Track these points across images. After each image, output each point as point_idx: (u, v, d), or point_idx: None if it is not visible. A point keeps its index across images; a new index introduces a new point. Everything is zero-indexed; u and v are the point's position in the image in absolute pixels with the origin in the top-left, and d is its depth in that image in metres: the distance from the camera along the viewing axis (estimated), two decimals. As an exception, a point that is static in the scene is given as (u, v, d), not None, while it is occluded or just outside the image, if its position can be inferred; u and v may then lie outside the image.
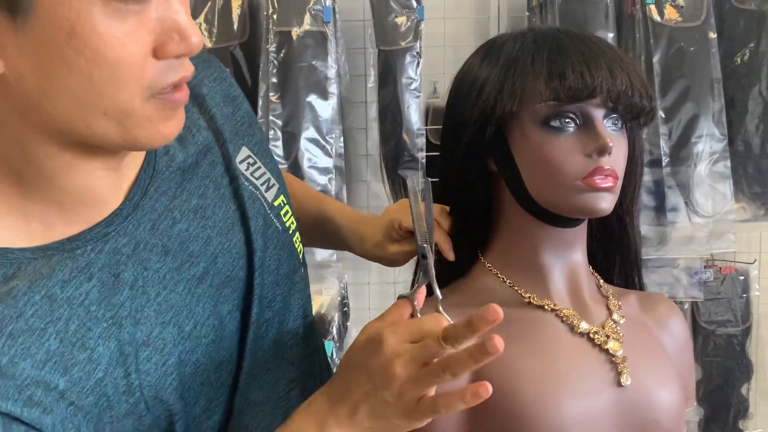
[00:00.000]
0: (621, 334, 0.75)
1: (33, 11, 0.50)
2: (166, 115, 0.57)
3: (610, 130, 0.72)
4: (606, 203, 0.71)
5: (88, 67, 0.52)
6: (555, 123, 0.71)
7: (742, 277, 1.85)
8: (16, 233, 0.58)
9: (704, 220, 1.62)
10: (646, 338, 0.78)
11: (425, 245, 0.67)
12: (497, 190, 0.77)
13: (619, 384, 0.72)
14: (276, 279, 0.74)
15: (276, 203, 0.77)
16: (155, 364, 0.62)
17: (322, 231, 0.95)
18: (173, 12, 0.54)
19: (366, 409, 0.59)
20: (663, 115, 1.61)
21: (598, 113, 0.71)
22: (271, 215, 0.76)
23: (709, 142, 1.62)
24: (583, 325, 0.74)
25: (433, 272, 0.66)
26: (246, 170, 0.75)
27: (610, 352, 0.73)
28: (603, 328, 0.75)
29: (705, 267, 1.83)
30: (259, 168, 0.76)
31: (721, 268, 1.84)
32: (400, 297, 0.65)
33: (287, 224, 0.78)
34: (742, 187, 1.72)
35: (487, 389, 0.54)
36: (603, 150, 0.69)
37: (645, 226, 1.64)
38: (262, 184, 0.76)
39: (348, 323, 1.81)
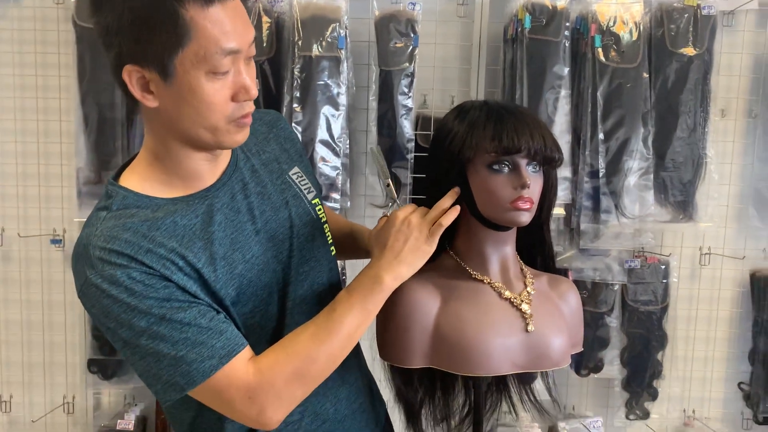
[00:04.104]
0: (531, 300, 1.18)
1: (173, 77, 0.97)
2: (238, 130, 1.04)
3: (530, 172, 1.14)
4: (524, 218, 1.13)
5: (197, 105, 0.98)
6: (496, 167, 1.13)
7: (663, 266, 2.25)
8: (157, 191, 1.06)
9: (630, 221, 2.04)
10: (548, 304, 1.21)
11: (386, 180, 1.19)
12: (459, 204, 1.19)
13: (526, 330, 1.15)
14: (311, 246, 1.19)
15: (313, 202, 1.21)
16: (228, 272, 1.05)
17: (353, 240, 1.39)
18: (242, 78, 1.00)
19: (407, 248, 1.08)
20: (602, 137, 2.01)
21: (523, 161, 1.13)
22: (309, 207, 1.20)
23: (637, 160, 2.02)
24: (507, 293, 1.17)
25: (394, 193, 1.20)
26: (296, 179, 1.21)
27: (522, 310, 1.16)
28: (519, 296, 1.18)
29: (634, 257, 2.27)
30: (303, 179, 1.21)
31: (647, 258, 2.27)
32: (381, 218, 1.16)
33: (320, 216, 1.22)
34: (668, 195, 2.09)
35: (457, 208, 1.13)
36: (523, 186, 1.11)
37: (584, 223, 2.05)
38: (305, 189, 1.21)
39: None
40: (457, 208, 1.12)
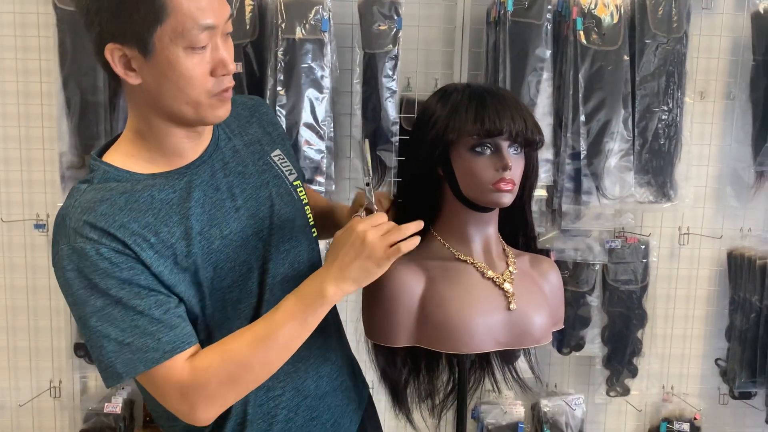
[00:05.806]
0: (513, 279, 1.21)
1: (153, 53, 0.99)
2: (219, 105, 1.05)
3: (512, 154, 1.16)
4: (506, 199, 1.15)
5: (177, 80, 1.01)
6: (478, 149, 1.14)
7: (643, 246, 2.30)
8: (138, 167, 1.08)
9: (610, 202, 2.07)
10: (529, 283, 1.23)
11: (366, 179, 1.12)
12: (443, 187, 1.21)
13: (509, 309, 1.18)
14: (292, 226, 1.20)
15: (294, 183, 1.24)
16: (204, 247, 1.08)
17: (333, 217, 1.40)
18: (220, 53, 1.03)
19: (355, 265, 1.03)
20: (583, 119, 2.03)
21: (505, 144, 1.15)
22: (290, 188, 1.22)
23: (618, 142, 2.05)
24: (490, 273, 1.20)
25: (372, 192, 1.13)
26: (278, 161, 1.23)
27: (505, 289, 1.19)
28: (502, 275, 1.20)
29: (615, 237, 2.30)
30: (285, 162, 1.24)
31: (627, 238, 2.31)
32: (354, 216, 1.12)
33: (301, 197, 1.24)
34: (650, 177, 2.13)
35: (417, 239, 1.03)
36: (505, 168, 1.13)
37: (565, 204, 2.08)
38: (286, 170, 1.23)
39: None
40: (417, 238, 1.04)
